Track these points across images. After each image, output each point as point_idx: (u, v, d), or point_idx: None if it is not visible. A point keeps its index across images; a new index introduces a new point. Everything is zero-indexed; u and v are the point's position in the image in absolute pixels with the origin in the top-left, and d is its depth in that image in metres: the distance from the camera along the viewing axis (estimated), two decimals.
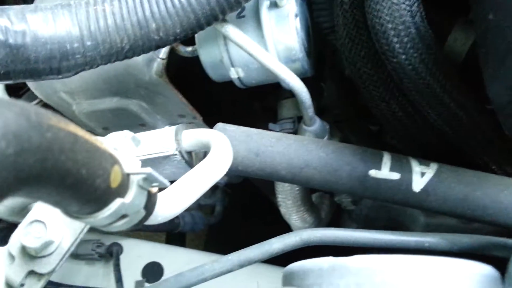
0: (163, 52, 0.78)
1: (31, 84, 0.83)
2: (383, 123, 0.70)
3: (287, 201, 0.88)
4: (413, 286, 0.39)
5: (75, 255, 0.97)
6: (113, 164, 0.33)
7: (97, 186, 0.31)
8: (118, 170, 0.34)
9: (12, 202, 0.60)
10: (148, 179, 0.36)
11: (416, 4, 0.54)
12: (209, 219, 1.23)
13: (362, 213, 0.92)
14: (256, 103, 1.04)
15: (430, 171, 0.63)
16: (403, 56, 0.55)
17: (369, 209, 0.91)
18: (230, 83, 0.81)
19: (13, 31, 0.49)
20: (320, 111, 0.81)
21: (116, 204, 0.34)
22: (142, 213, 0.38)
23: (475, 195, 0.61)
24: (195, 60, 0.79)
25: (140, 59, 0.76)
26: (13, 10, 0.50)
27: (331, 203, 1.02)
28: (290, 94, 0.89)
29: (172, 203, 0.46)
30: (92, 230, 0.93)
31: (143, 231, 1.02)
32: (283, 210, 0.90)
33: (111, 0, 0.55)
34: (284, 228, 0.85)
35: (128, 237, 1.02)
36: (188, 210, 1.18)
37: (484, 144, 0.64)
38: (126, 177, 0.35)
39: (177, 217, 1.09)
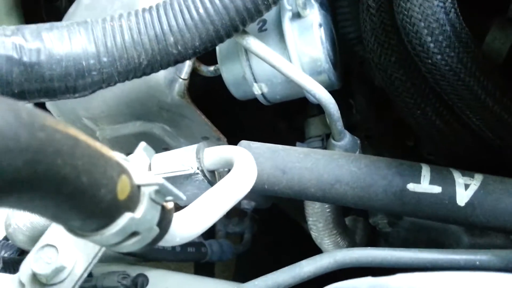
0: (185, 72, 0.76)
1: (53, 111, 0.82)
2: (419, 133, 0.65)
3: (318, 224, 0.83)
4: None
5: None
6: (121, 173, 0.30)
7: (101, 197, 0.28)
8: (127, 181, 0.30)
9: (33, 231, 0.58)
10: (161, 191, 0.33)
11: (449, 0, 0.50)
12: (238, 248, 1.19)
13: (399, 235, 0.86)
14: (281, 123, 1.01)
15: (474, 182, 0.57)
16: (439, 56, 0.51)
17: (407, 231, 0.85)
18: (254, 103, 0.78)
19: (28, 49, 0.47)
20: (349, 129, 0.77)
21: (124, 219, 0.30)
22: (156, 231, 0.34)
23: None
24: (217, 80, 0.77)
25: (161, 81, 0.74)
26: (28, 28, 0.49)
27: (366, 226, 0.96)
28: (317, 111, 0.85)
29: (192, 223, 0.43)
30: (117, 261, 0.90)
31: (169, 261, 0.99)
32: (314, 234, 0.85)
33: (128, 15, 0.54)
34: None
35: (155, 268, 0.98)
36: (215, 238, 1.15)
37: None
38: (136, 189, 0.32)
39: (204, 246, 1.05)
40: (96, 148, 0.28)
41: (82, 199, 0.26)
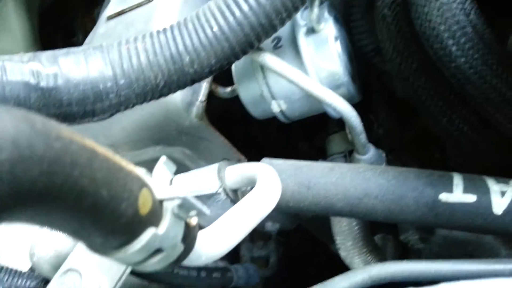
0: (202, 94, 0.75)
1: None
2: (447, 142, 0.62)
3: (347, 242, 0.81)
4: None
5: None
6: (142, 187, 0.29)
7: (122, 211, 0.26)
8: (148, 195, 0.29)
9: (57, 259, 0.57)
10: (184, 206, 0.31)
11: (469, 1, 0.49)
12: (264, 272, 1.16)
13: (432, 252, 0.82)
14: (302, 143, 0.99)
15: (511, 189, 0.55)
16: (463, 59, 0.49)
17: (440, 246, 0.82)
18: (273, 123, 0.77)
19: (45, 74, 0.47)
20: (373, 144, 0.75)
21: (148, 235, 0.29)
22: (180, 248, 0.33)
23: None
24: (235, 101, 0.76)
25: (179, 104, 0.74)
26: (45, 54, 0.49)
27: (396, 244, 0.93)
28: (338, 128, 0.84)
29: (217, 241, 0.41)
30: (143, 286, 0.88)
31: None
32: (343, 253, 0.82)
33: (143, 37, 0.54)
34: None
35: None
36: (241, 263, 1.13)
37: None
38: (158, 204, 0.30)
39: (229, 270, 1.03)
40: (115, 161, 0.27)
41: (103, 213, 0.25)
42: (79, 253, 0.43)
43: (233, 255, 1.20)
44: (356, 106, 0.73)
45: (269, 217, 1.12)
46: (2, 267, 0.59)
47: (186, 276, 0.90)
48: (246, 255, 1.18)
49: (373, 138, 0.84)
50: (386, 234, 0.93)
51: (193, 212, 0.33)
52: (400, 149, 0.81)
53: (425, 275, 0.45)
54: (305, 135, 0.99)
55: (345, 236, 0.80)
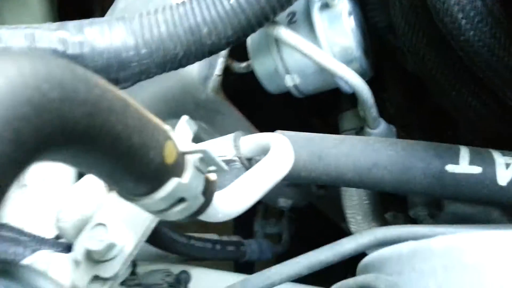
0: (218, 69, 0.78)
1: None
2: (456, 116, 0.64)
3: (357, 216, 0.83)
4: None
5: (146, 286, 0.96)
6: (167, 138, 0.31)
7: (151, 159, 0.29)
8: (173, 147, 0.32)
9: (82, 222, 0.60)
10: (205, 160, 0.34)
11: None
12: (277, 248, 1.19)
13: None
14: (315, 120, 1.01)
15: None
16: (472, 32, 0.51)
17: (449, 222, 0.83)
18: (288, 98, 0.79)
19: (71, 42, 0.50)
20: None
21: (172, 183, 0.32)
22: (201, 199, 0.36)
23: None
24: (250, 76, 0.79)
25: (196, 78, 0.76)
26: (71, 24, 0.52)
27: (406, 222, 0.95)
28: (350, 105, 0.86)
29: (234, 200, 0.44)
30: (160, 260, 0.92)
31: (209, 259, 1.00)
32: (353, 227, 0.85)
33: (163, 9, 0.56)
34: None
35: (197, 266, 1.00)
36: (254, 238, 1.15)
37: None
38: (181, 156, 0.33)
39: (243, 244, 1.06)
40: (144, 113, 0.30)
41: (134, 158, 0.28)
42: (106, 210, 0.46)
43: (247, 231, 1.23)
44: (369, 83, 0.75)
45: (282, 193, 1.15)
46: (28, 234, 0.61)
47: (201, 248, 0.94)
48: (260, 231, 1.21)
49: (385, 117, 0.86)
50: (397, 212, 0.95)
51: (212, 167, 0.36)
52: (412, 126, 0.83)
53: (428, 237, 0.47)
54: (318, 112, 1.01)
55: (355, 210, 0.82)
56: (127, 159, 0.28)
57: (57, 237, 0.66)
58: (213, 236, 0.99)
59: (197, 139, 0.88)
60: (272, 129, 0.90)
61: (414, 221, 0.89)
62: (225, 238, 1.03)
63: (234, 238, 1.09)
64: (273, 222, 1.22)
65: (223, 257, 1.00)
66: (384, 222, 0.84)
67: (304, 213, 1.19)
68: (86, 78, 0.24)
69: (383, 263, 0.39)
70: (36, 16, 1.32)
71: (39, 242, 0.61)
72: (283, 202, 1.08)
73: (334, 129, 0.89)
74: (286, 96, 0.78)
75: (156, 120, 0.31)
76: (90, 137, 0.24)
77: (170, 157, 0.31)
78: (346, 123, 0.86)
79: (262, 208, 1.23)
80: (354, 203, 0.82)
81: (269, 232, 1.21)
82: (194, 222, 0.37)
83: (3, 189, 0.20)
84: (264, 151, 0.59)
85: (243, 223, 1.28)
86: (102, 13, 1.50)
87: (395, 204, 0.93)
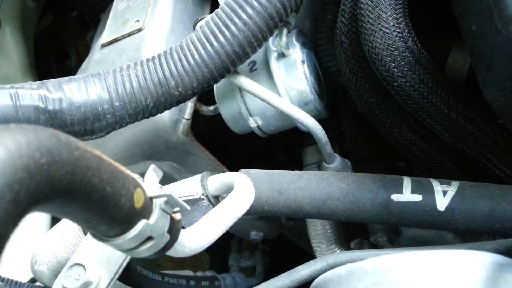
0: (187, 113, 0.84)
1: None
2: (401, 149, 0.72)
3: (322, 245, 0.89)
4: (430, 281, 0.39)
5: None
6: (136, 186, 0.37)
7: (122, 204, 0.35)
8: (141, 193, 0.38)
9: (58, 265, 0.64)
10: (169, 202, 0.40)
11: (406, 31, 0.58)
12: (251, 281, 1.22)
13: None
14: (281, 156, 1.08)
15: (452, 189, 0.64)
16: (403, 79, 0.59)
17: (407, 246, 0.90)
18: (254, 139, 0.85)
19: (52, 99, 0.56)
20: (344, 155, 0.83)
21: (141, 224, 0.37)
22: (167, 237, 0.41)
23: (501, 207, 0.61)
24: (217, 118, 0.85)
25: (167, 122, 0.82)
26: (51, 82, 0.58)
27: (371, 248, 1.01)
28: (312, 141, 0.93)
29: (199, 236, 0.49)
30: None
31: None
32: (318, 255, 0.90)
33: (134, 65, 0.63)
34: None
35: None
36: (228, 271, 1.19)
37: (503, 158, 0.65)
38: (149, 200, 0.39)
39: (217, 279, 1.09)
40: (116, 165, 0.36)
41: (108, 205, 0.34)
42: (82, 252, 0.51)
43: (222, 266, 1.27)
44: (329, 120, 0.83)
45: (253, 226, 1.19)
46: (3, 279, 0.63)
47: (176, 285, 0.97)
48: (235, 265, 1.24)
49: (344, 150, 0.93)
50: (362, 239, 1.01)
51: (176, 208, 0.42)
52: (367, 159, 0.90)
53: None
54: (284, 148, 1.08)
55: (319, 239, 0.88)
56: (102, 206, 0.33)
57: (32, 280, 0.68)
58: (188, 273, 1.01)
59: (169, 178, 0.94)
60: (241, 166, 0.96)
61: (376, 247, 0.96)
62: (199, 273, 1.06)
63: (209, 273, 1.11)
64: (247, 255, 1.26)
65: None
66: (347, 248, 0.90)
67: (277, 244, 1.23)
68: (68, 143, 0.30)
69: (327, 284, 0.45)
70: (14, 62, 1.36)
71: (14, 286, 0.64)
72: (255, 235, 1.13)
73: (299, 163, 0.96)
74: (252, 134, 0.85)
75: (127, 171, 0.37)
76: (71, 190, 0.30)
77: (138, 202, 0.37)
78: (308, 157, 0.93)
79: (236, 242, 1.28)
80: (318, 232, 0.88)
81: (243, 265, 1.24)
82: (170, 259, 0.41)
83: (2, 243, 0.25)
84: (229, 189, 0.65)
85: (219, 258, 1.32)
86: (77, 57, 1.56)
87: (360, 232, 0.99)
